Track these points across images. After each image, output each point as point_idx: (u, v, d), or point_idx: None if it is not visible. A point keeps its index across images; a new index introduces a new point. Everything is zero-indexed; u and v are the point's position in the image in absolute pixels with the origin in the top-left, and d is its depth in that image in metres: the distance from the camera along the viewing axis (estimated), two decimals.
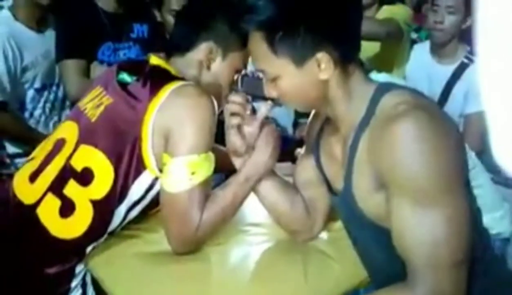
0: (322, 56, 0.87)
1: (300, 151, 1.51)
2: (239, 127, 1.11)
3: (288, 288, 1.08)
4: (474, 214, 0.87)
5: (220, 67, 1.25)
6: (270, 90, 0.95)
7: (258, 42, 0.91)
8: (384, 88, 0.90)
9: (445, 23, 1.84)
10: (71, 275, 1.19)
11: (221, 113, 1.17)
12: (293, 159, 1.48)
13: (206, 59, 1.24)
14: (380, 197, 0.86)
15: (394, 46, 2.20)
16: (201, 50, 1.23)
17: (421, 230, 0.80)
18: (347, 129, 0.93)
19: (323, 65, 0.88)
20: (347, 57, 0.90)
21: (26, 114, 1.98)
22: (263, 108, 1.09)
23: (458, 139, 0.84)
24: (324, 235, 1.23)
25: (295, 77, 0.90)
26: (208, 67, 1.25)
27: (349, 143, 0.91)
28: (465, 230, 0.81)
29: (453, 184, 0.81)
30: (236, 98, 1.10)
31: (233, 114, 1.09)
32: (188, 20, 1.29)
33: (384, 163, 0.82)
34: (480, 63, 0.37)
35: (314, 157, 1.09)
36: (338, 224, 1.22)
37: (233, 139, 1.11)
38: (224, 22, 1.22)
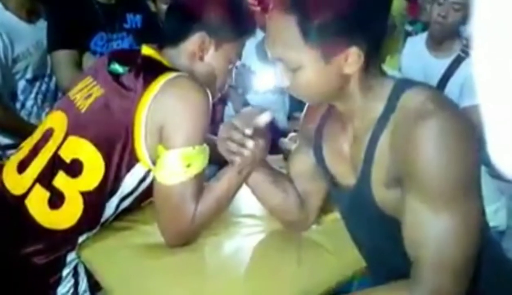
0: (354, 51, 0.82)
1: (286, 140, 1.50)
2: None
3: (281, 279, 1.07)
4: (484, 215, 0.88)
5: (213, 58, 1.23)
6: (285, 80, 0.89)
7: (288, 27, 0.82)
8: (404, 85, 0.88)
9: (449, 19, 1.82)
10: (62, 264, 1.19)
11: (220, 99, 1.14)
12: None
13: (198, 50, 1.22)
14: (397, 192, 0.85)
15: (387, 36, 2.18)
16: (193, 41, 1.21)
17: (434, 230, 0.80)
18: (362, 123, 0.90)
19: (350, 59, 0.83)
20: (375, 51, 0.87)
21: (18, 105, 1.96)
22: (262, 118, 1.04)
23: (477, 141, 0.82)
24: (318, 226, 1.22)
25: (318, 69, 0.84)
26: (201, 58, 1.22)
27: (366, 138, 0.89)
28: (476, 233, 0.81)
29: (470, 187, 0.81)
30: (236, 135, 1.03)
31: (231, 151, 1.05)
32: (180, 11, 1.26)
33: (409, 158, 0.80)
34: (475, 59, 0.36)
35: (314, 152, 1.07)
36: (332, 216, 1.22)
37: (229, 156, 1.07)
38: (217, 12, 1.20)
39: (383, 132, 0.86)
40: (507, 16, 0.34)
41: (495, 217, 1.68)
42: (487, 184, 1.63)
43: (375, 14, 0.84)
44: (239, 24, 1.22)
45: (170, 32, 1.25)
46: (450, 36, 1.86)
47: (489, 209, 1.62)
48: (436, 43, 1.91)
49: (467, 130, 0.81)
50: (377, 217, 0.91)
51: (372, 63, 0.88)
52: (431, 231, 0.80)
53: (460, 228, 0.79)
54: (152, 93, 1.11)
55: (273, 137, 1.16)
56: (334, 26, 0.81)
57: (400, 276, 0.87)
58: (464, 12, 1.79)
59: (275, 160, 1.23)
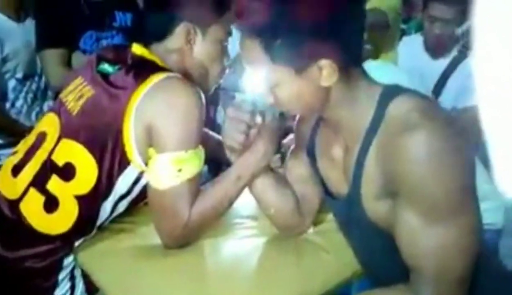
0: (325, 63, 0.81)
1: (285, 142, 1.49)
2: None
3: (280, 281, 1.07)
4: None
5: (203, 47, 1.19)
6: (266, 98, 0.89)
7: (253, 49, 0.83)
8: (391, 92, 0.86)
9: (442, 33, 1.82)
10: (58, 267, 1.17)
11: (211, 101, 1.12)
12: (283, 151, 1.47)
13: (186, 43, 1.17)
14: (388, 204, 0.84)
15: (379, 36, 2.19)
16: (179, 35, 1.17)
17: (432, 243, 0.79)
18: (351, 134, 0.89)
19: (325, 72, 0.82)
20: (351, 62, 0.85)
21: (8, 105, 1.94)
22: (269, 114, 1.04)
23: (469, 147, 0.81)
24: (316, 226, 1.22)
25: (294, 85, 0.83)
26: (191, 52, 1.19)
27: (355, 149, 0.88)
28: (475, 242, 0.80)
29: (465, 197, 0.79)
30: (243, 106, 1.03)
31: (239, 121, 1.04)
32: (157, 5, 1.21)
33: (396, 173, 0.79)
34: (476, 64, 0.36)
35: (309, 157, 1.06)
36: (330, 216, 1.22)
37: (237, 137, 1.05)
38: None
39: (372, 143, 0.85)
40: (507, 19, 0.33)
41: (493, 215, 1.66)
42: (482, 181, 1.65)
43: (341, 26, 0.81)
44: (219, 0, 1.17)
45: (152, 29, 1.21)
46: (447, 43, 1.86)
47: (483, 207, 1.64)
48: (434, 48, 1.90)
49: (457, 139, 0.79)
50: (369, 227, 0.91)
51: (354, 72, 0.87)
52: (429, 243, 0.79)
53: (458, 239, 0.78)
54: (142, 93, 1.08)
55: None
56: (296, 43, 0.80)
57: (396, 281, 0.88)
58: (456, 23, 1.78)
59: (273, 160, 1.22)
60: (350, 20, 0.83)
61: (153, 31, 1.20)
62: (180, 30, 1.17)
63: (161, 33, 1.18)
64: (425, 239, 0.79)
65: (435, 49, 1.90)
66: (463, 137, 0.81)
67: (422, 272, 0.81)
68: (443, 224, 0.78)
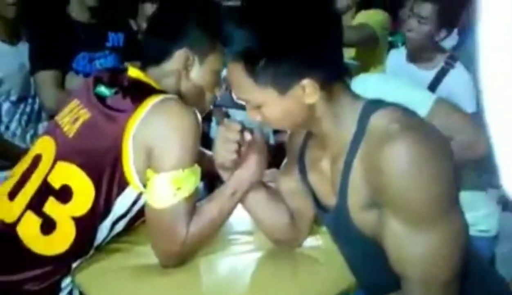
0: (307, 82, 0.84)
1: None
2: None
3: None
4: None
5: (199, 73, 1.23)
6: (254, 117, 0.93)
7: (237, 73, 0.87)
8: (372, 106, 0.89)
9: (415, 32, 1.85)
10: (57, 289, 1.17)
11: (205, 117, 1.15)
12: (276, 164, 1.48)
13: (183, 68, 1.21)
14: (375, 213, 0.86)
15: (369, 51, 2.23)
16: (176, 59, 1.21)
17: (417, 250, 0.81)
18: (337, 147, 0.92)
19: (307, 90, 0.85)
20: (332, 79, 0.88)
21: (2, 127, 1.94)
22: (258, 131, 1.07)
23: (450, 155, 0.83)
24: (312, 240, 1.23)
25: (279, 104, 0.87)
26: (187, 76, 1.22)
27: (341, 161, 0.90)
28: (461, 248, 0.82)
29: (448, 204, 0.81)
30: (233, 126, 1.07)
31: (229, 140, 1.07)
32: (159, 30, 1.25)
33: (379, 184, 0.82)
34: (483, 66, 0.36)
35: (299, 170, 1.08)
36: (324, 228, 1.23)
37: (229, 156, 1.08)
38: (196, 27, 1.20)
39: (356, 155, 0.88)
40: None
41: (486, 221, 1.69)
42: (480, 188, 1.66)
43: (317, 44, 0.85)
44: (218, 32, 1.21)
45: (151, 52, 1.24)
46: (425, 49, 1.88)
47: (481, 213, 1.65)
48: (414, 54, 1.94)
49: (437, 147, 0.81)
50: (358, 237, 0.92)
51: (336, 88, 0.90)
52: (414, 250, 0.81)
53: (442, 245, 0.80)
54: (140, 116, 1.11)
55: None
56: (277, 65, 0.84)
57: (388, 290, 0.89)
58: (431, 25, 1.82)
59: (266, 174, 1.24)
60: (328, 39, 0.87)
61: (153, 55, 1.23)
62: (178, 55, 1.20)
63: (160, 57, 1.22)
64: (410, 246, 0.81)
65: (412, 50, 1.92)
66: (443, 147, 0.83)
67: (409, 279, 0.83)
68: (427, 230, 0.80)
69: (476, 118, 1.58)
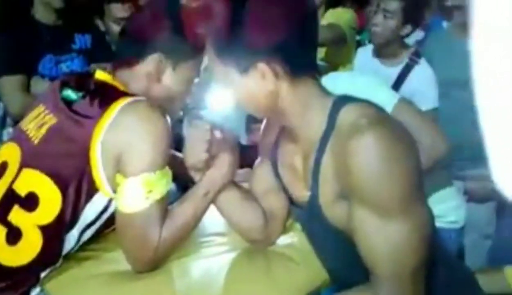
0: (264, 67, 0.86)
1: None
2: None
3: None
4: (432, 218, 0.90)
5: (171, 79, 1.21)
6: (231, 98, 0.94)
7: (211, 55, 0.91)
8: (341, 101, 0.90)
9: (381, 26, 1.87)
10: None
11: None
12: (249, 164, 1.47)
13: (155, 72, 1.19)
14: (346, 206, 0.87)
15: (338, 51, 2.24)
16: (149, 62, 1.19)
17: (386, 241, 0.82)
18: (308, 143, 0.93)
19: (266, 76, 0.87)
20: (298, 70, 0.89)
21: None
22: (227, 130, 1.08)
23: (416, 149, 0.86)
24: (286, 238, 1.23)
25: (242, 85, 0.89)
26: (158, 80, 1.20)
27: (312, 157, 0.91)
28: (427, 237, 0.84)
29: (414, 195, 0.83)
30: (202, 125, 1.09)
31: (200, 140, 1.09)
32: (133, 33, 1.23)
33: (348, 177, 0.83)
34: (475, 61, 0.35)
35: (272, 166, 1.09)
36: (298, 225, 1.23)
37: (200, 156, 1.10)
38: (171, 32, 1.18)
39: (326, 151, 0.89)
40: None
41: (455, 213, 1.74)
42: (447, 180, 1.71)
43: (282, 34, 0.85)
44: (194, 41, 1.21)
45: (124, 56, 1.22)
46: (390, 44, 1.90)
47: (449, 205, 1.70)
48: (379, 50, 1.96)
49: (404, 142, 0.83)
50: (330, 231, 0.93)
51: (304, 81, 0.90)
52: (383, 241, 0.83)
53: (410, 234, 0.82)
54: (107, 121, 1.09)
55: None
56: (237, 45, 0.86)
57: (360, 284, 0.91)
58: (396, 20, 1.85)
59: (239, 174, 1.23)
60: (297, 28, 0.87)
61: (125, 58, 1.21)
62: (152, 59, 1.19)
63: (133, 61, 1.20)
64: (377, 236, 0.83)
65: (378, 45, 1.94)
66: (409, 142, 0.85)
67: (378, 269, 0.84)
68: (394, 221, 0.81)
69: (435, 114, 1.68)
